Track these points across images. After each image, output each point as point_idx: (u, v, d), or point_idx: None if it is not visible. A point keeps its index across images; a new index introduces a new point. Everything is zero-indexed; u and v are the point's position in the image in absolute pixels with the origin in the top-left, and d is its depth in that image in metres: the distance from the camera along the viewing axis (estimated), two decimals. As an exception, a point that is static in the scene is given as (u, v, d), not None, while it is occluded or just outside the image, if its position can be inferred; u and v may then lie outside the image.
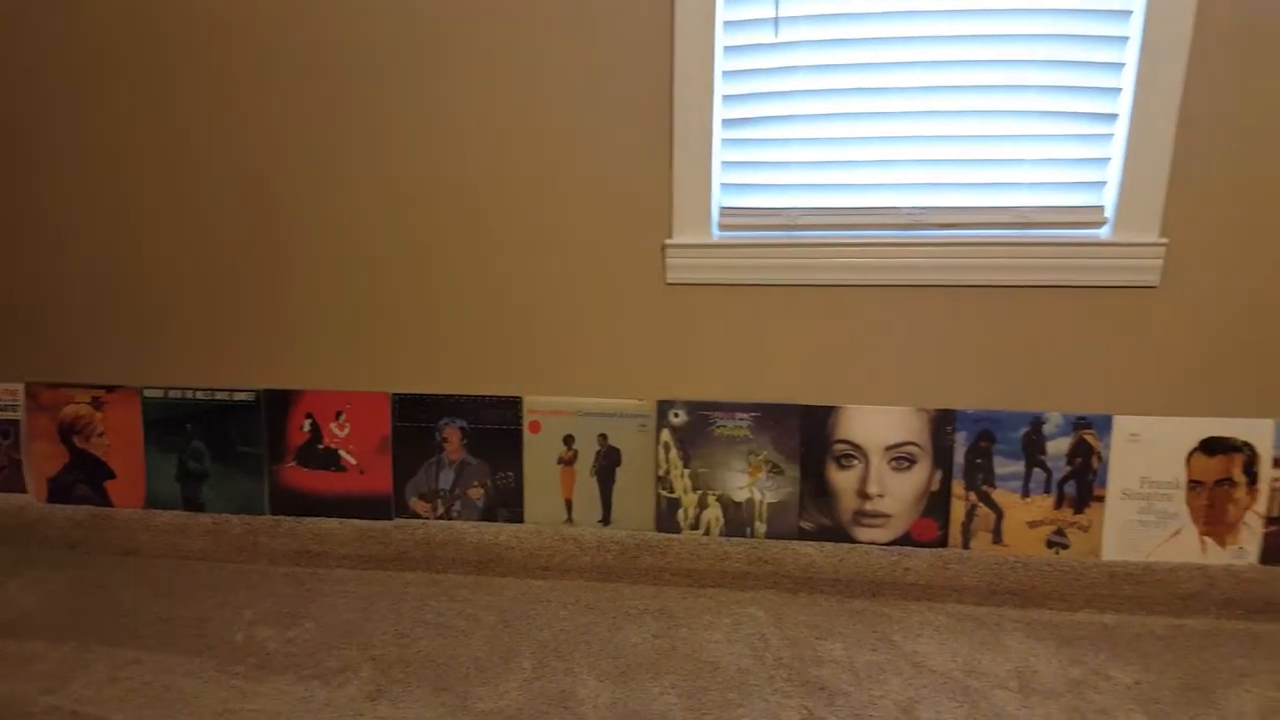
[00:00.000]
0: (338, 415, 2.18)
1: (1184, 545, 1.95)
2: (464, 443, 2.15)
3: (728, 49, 1.87)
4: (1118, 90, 1.76)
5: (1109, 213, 1.82)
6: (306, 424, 2.19)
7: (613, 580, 2.14)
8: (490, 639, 1.91)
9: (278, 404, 2.19)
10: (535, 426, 2.13)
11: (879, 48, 1.81)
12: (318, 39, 1.98)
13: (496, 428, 2.14)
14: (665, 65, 1.87)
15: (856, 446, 2.03)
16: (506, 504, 2.17)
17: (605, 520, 2.15)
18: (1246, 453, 1.90)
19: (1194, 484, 1.93)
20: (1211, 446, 1.91)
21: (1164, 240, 1.79)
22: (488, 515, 2.18)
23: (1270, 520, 1.91)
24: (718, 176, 1.95)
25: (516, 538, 2.17)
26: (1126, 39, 1.73)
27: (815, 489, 2.06)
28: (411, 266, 2.07)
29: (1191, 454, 1.92)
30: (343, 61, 1.98)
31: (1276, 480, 1.89)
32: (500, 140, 1.97)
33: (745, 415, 2.07)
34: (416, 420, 2.15)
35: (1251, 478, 1.90)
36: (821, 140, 1.89)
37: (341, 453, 2.19)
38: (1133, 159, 1.76)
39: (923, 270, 1.90)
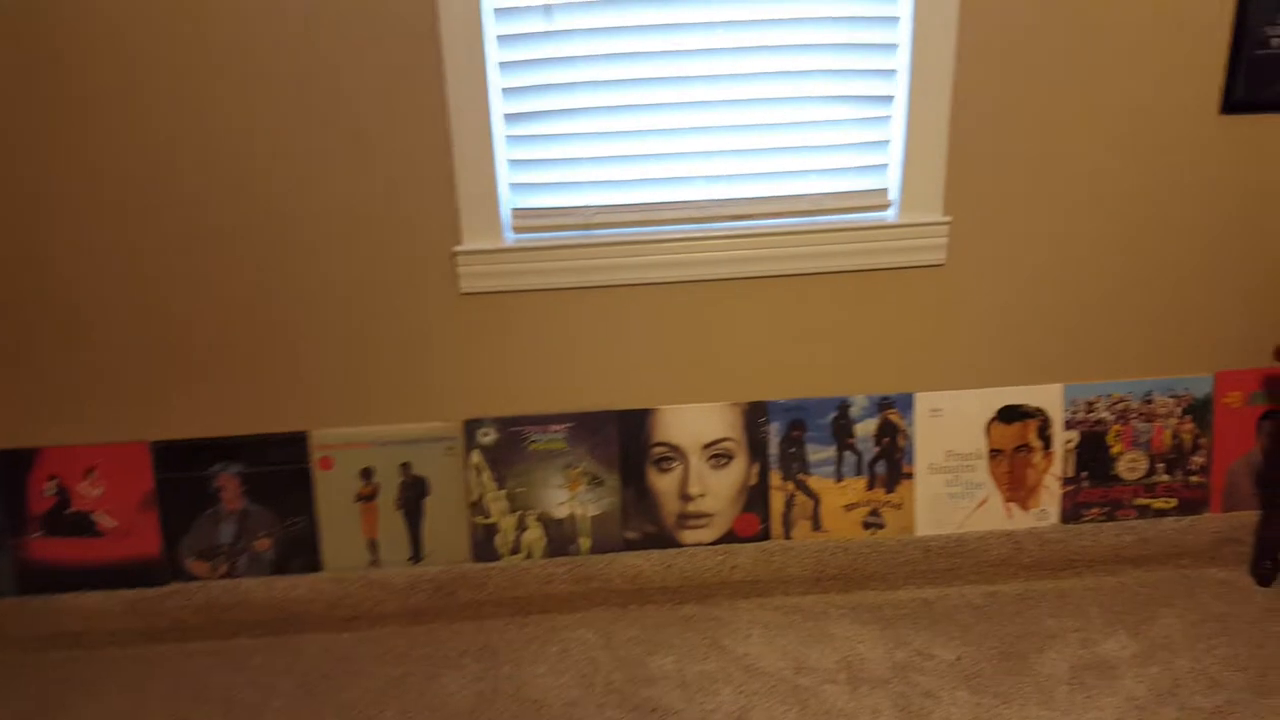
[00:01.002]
0: (88, 473, 1.89)
1: (991, 513, 2.01)
2: (243, 489, 1.92)
3: (501, 39, 1.75)
4: (893, 72, 1.77)
5: (894, 195, 1.84)
6: (50, 486, 1.88)
7: (428, 622, 1.97)
8: (287, 710, 1.70)
9: (12, 467, 1.88)
10: (326, 463, 1.93)
11: (657, 35, 1.74)
12: (55, 58, 1.69)
13: (280, 469, 1.92)
14: (434, 59, 1.72)
15: (675, 448, 1.96)
16: (300, 553, 1.96)
17: (415, 557, 1.98)
18: (1040, 418, 1.97)
19: (995, 453, 1.99)
20: (1008, 415, 1.97)
21: (947, 219, 1.82)
22: (279, 568, 1.96)
23: (1067, 481, 2.00)
24: (505, 176, 1.82)
25: (315, 589, 1.96)
26: (898, 19, 1.74)
27: (637, 496, 1.98)
28: (162, 290, 1.81)
29: (990, 424, 1.97)
30: (95, 82, 1.70)
31: (1069, 442, 1.98)
32: (260, 151, 1.75)
33: (560, 427, 1.95)
34: (184, 469, 1.90)
35: (1046, 442, 1.98)
36: (612, 134, 1.80)
37: (96, 515, 1.90)
38: (912, 140, 1.78)
39: (723, 263, 1.85)
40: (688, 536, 2.00)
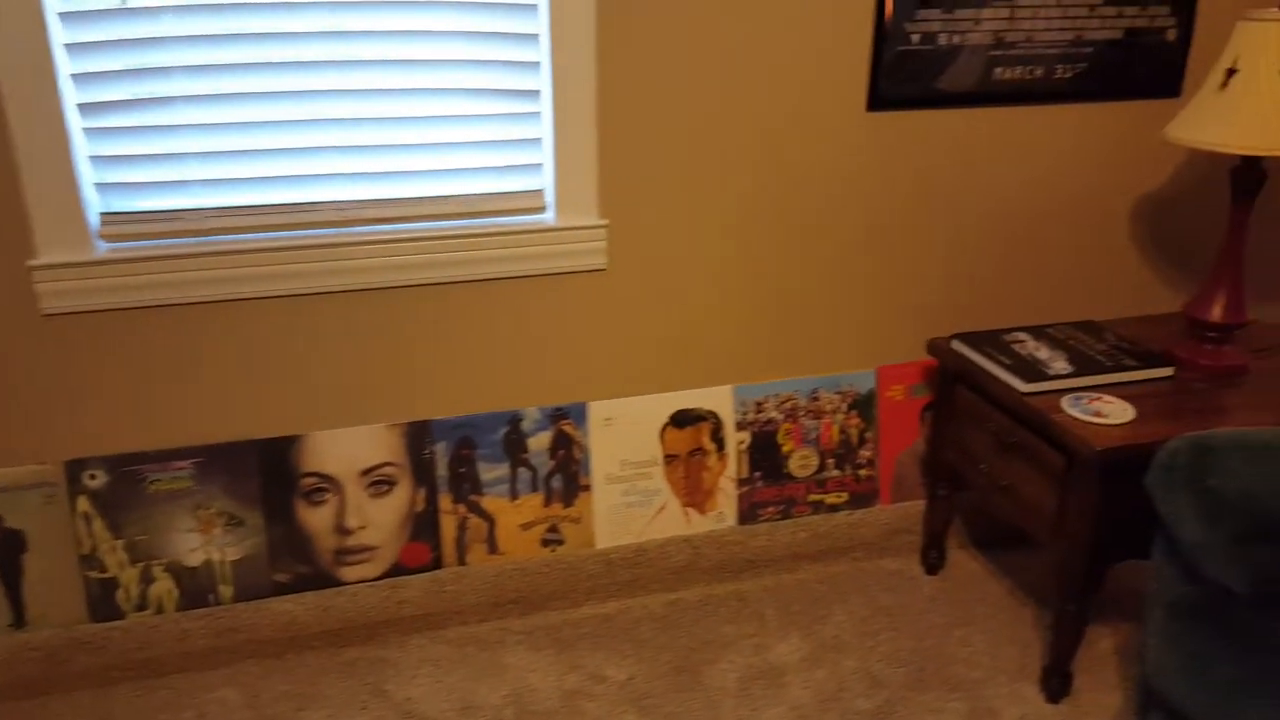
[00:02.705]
0: None
1: (670, 520, 1.96)
2: None
3: (64, 16, 1.46)
4: (537, 64, 1.64)
5: (550, 196, 1.72)
6: None
7: (40, 695, 1.68)
8: None
9: None
10: (-126, 526, 1.58)
11: (269, 15, 1.52)
12: None
13: None
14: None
15: (327, 477, 1.76)
16: None
17: (18, 623, 1.68)
18: (712, 420, 1.94)
19: (670, 458, 1.93)
20: (681, 419, 1.92)
21: (604, 222, 1.72)
22: None
23: (741, 481, 1.98)
24: (88, 176, 1.54)
25: None
26: (536, 6, 1.61)
27: (286, 534, 1.76)
28: None
29: (664, 429, 1.91)
30: None
31: (741, 443, 1.96)
32: None
33: (184, 463, 1.70)
34: None
35: (720, 444, 1.95)
36: (224, 127, 1.56)
37: None
38: (562, 139, 1.66)
39: (371, 271, 1.66)
40: (349, 573, 1.81)
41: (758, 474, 1.98)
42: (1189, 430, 1.46)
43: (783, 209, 1.82)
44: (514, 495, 1.86)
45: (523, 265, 1.72)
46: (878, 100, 1.78)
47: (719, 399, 1.93)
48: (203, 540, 1.73)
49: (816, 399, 1.97)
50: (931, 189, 1.87)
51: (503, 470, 1.84)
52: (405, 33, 1.57)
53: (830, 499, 2.03)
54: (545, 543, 1.90)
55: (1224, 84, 1.52)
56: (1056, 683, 1.63)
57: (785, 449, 1.98)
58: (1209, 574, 1.19)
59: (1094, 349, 1.71)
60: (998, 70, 1.80)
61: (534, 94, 1.65)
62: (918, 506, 2.07)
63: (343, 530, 1.79)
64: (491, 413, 1.81)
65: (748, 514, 2.00)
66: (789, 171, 1.80)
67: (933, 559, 1.99)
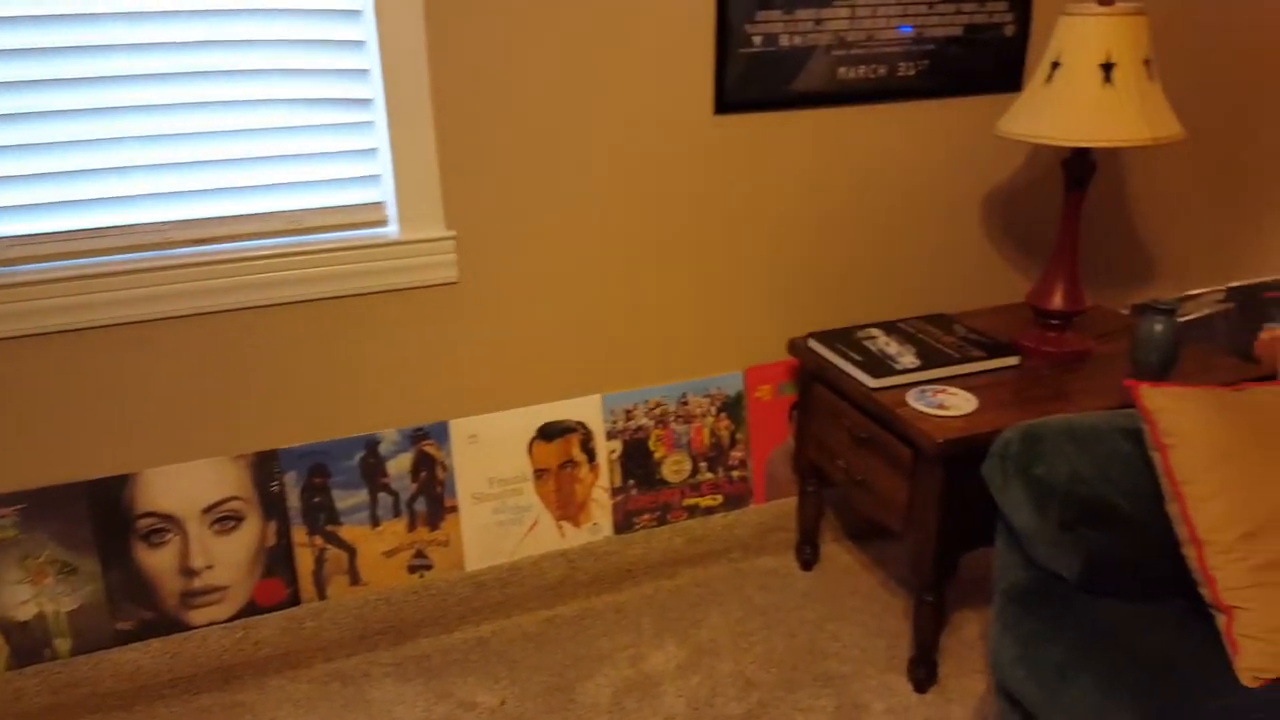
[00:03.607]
0: None
1: (544, 535, 1.91)
2: None
3: None
4: (366, 72, 1.58)
5: (390, 209, 1.66)
6: None
7: None
8: None
9: None
10: None
11: (72, 27, 1.42)
12: None
13: None
14: None
15: (166, 516, 1.66)
16: None
17: None
18: (581, 431, 1.90)
19: (540, 472, 1.89)
20: (549, 432, 1.88)
21: (452, 233, 1.67)
22: None
23: (615, 491, 1.95)
24: None
25: None
26: (360, 12, 1.54)
27: (125, 579, 1.65)
28: None
29: (532, 443, 1.87)
30: None
31: (613, 452, 1.93)
32: None
33: (6, 510, 1.58)
34: None
35: (590, 455, 1.92)
36: (23, 149, 1.45)
37: None
38: (399, 149, 1.60)
39: (194, 295, 1.56)
40: (197, 616, 1.71)
41: (631, 482, 1.95)
42: (1030, 418, 1.50)
43: (639, 214, 1.80)
44: (375, 522, 1.79)
45: (368, 281, 1.65)
46: (724, 103, 1.77)
47: (587, 409, 1.89)
48: (34, 592, 1.61)
49: (686, 403, 1.96)
50: (784, 190, 1.87)
51: (361, 497, 1.77)
52: (223, 43, 1.49)
53: (705, 502, 2.02)
54: (412, 569, 1.83)
55: (1049, 78, 1.56)
56: (923, 672, 1.65)
57: (657, 455, 1.96)
58: (1041, 560, 1.21)
59: (942, 341, 1.74)
60: (841, 70, 1.82)
61: (366, 103, 1.59)
62: (791, 504, 2.07)
63: (188, 571, 1.69)
64: (345, 438, 1.74)
65: (623, 523, 1.97)
66: (642, 176, 1.77)
67: (806, 555, 2.00)
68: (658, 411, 1.94)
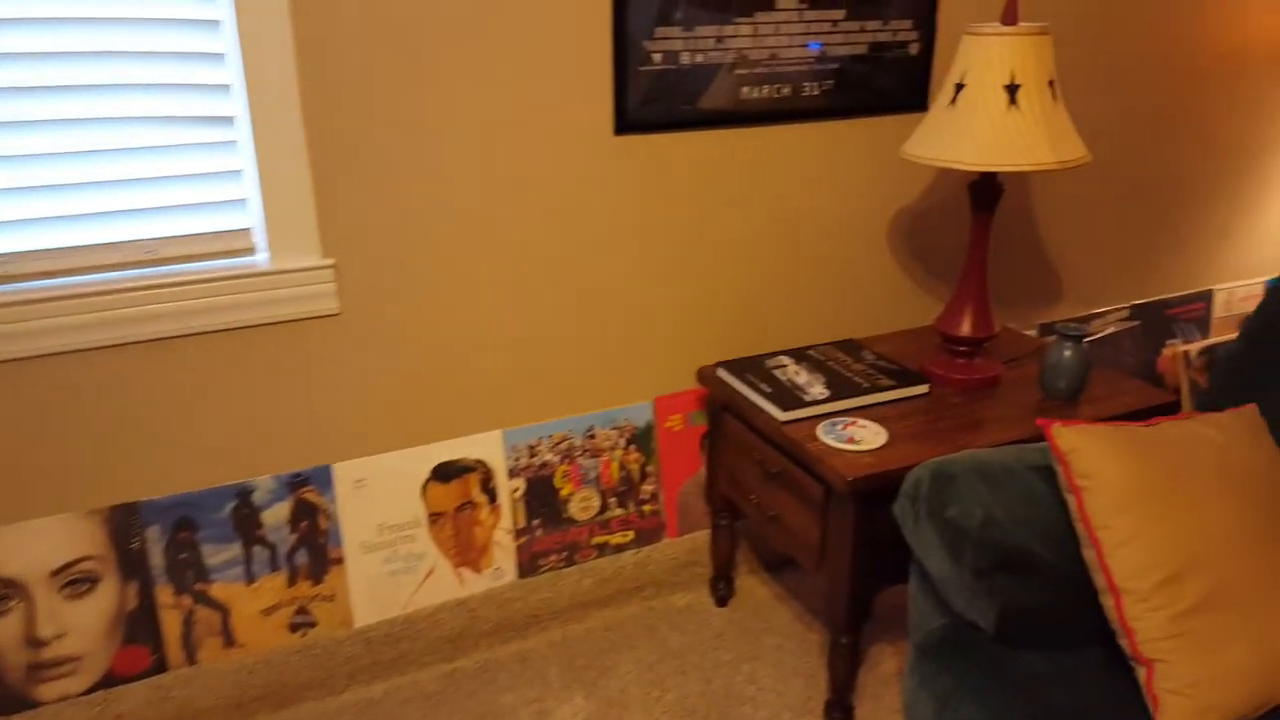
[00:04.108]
0: None
1: (441, 584, 1.79)
2: None
3: None
4: (228, 87, 1.44)
5: (259, 236, 1.52)
6: None
7: None
8: None
9: None
10: None
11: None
12: None
13: None
14: None
15: (8, 582, 1.48)
16: None
17: None
18: (481, 470, 1.78)
19: (435, 516, 1.76)
20: (445, 472, 1.76)
21: (329, 262, 1.54)
22: None
23: (519, 532, 1.84)
24: None
25: None
26: (219, 22, 1.41)
27: (-39, 654, 1.47)
28: None
29: (426, 485, 1.75)
30: None
31: (516, 490, 1.82)
32: None
33: None
34: None
35: (491, 495, 1.80)
36: None
37: None
38: (267, 170, 1.47)
39: (32, 335, 1.40)
40: (47, 691, 1.53)
41: (536, 522, 1.84)
42: (941, 451, 1.45)
43: (538, 238, 1.69)
44: (250, 578, 1.64)
45: (236, 316, 1.51)
46: (626, 123, 1.69)
47: (487, 446, 1.78)
48: None
49: (593, 436, 1.86)
50: (690, 212, 1.80)
51: (234, 551, 1.62)
52: (68, 54, 1.34)
53: (615, 539, 1.92)
54: (294, 627, 1.68)
55: (954, 99, 1.51)
56: (839, 715, 1.58)
57: (564, 492, 1.86)
58: (957, 608, 1.15)
59: (852, 370, 1.68)
60: (745, 90, 1.75)
61: (228, 120, 1.45)
62: (705, 536, 1.99)
63: (35, 642, 1.51)
64: (215, 488, 1.59)
65: (528, 566, 1.86)
66: (540, 199, 1.67)
67: (721, 590, 1.92)
68: (563, 446, 1.83)
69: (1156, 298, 2.41)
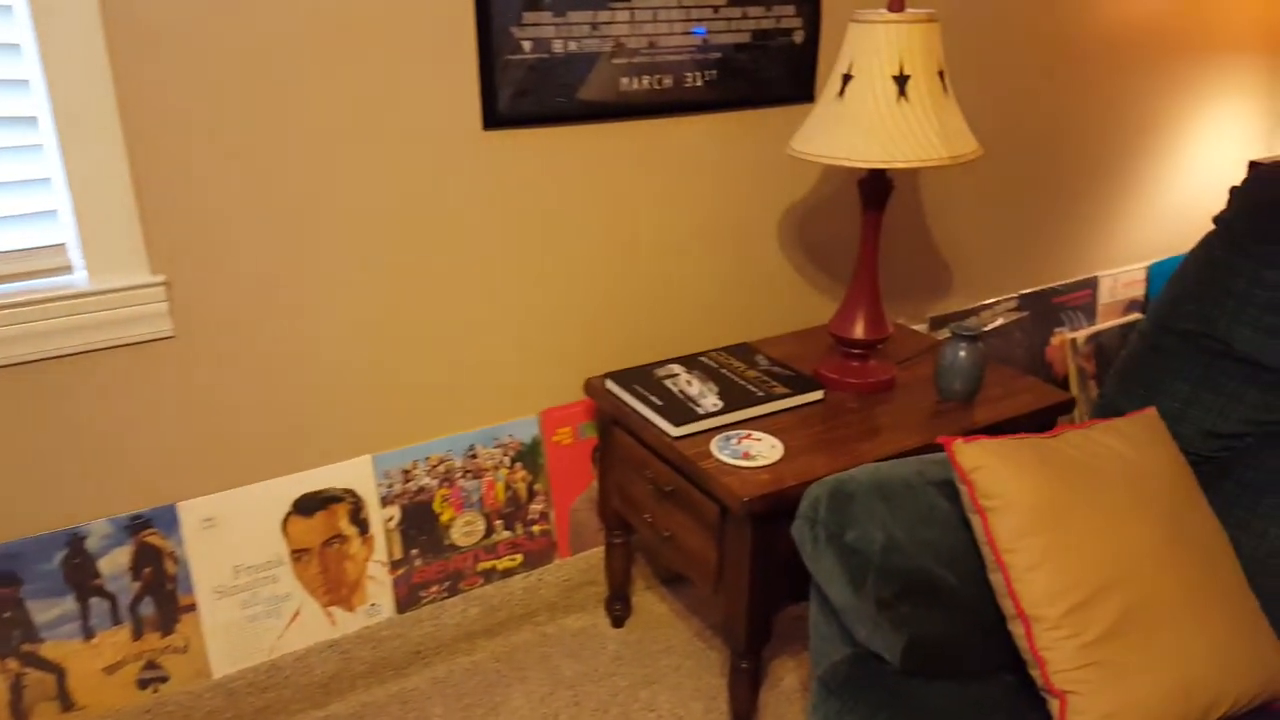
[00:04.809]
0: None
1: (310, 625, 1.63)
2: None
3: None
4: (27, 82, 1.25)
5: (74, 252, 1.33)
6: None
7: None
8: None
9: None
10: None
11: None
12: None
13: None
14: None
15: None
16: None
17: None
18: (350, 500, 1.63)
19: (299, 553, 1.60)
20: (308, 505, 1.60)
21: (160, 279, 1.36)
22: None
23: (395, 564, 1.69)
24: None
25: None
26: (9, 7, 1.21)
27: None
28: None
29: (288, 520, 1.58)
30: None
31: (390, 520, 1.67)
32: None
33: None
34: None
35: (362, 526, 1.65)
36: None
37: None
38: (78, 177, 1.28)
39: None
40: None
41: (415, 552, 1.70)
42: (839, 462, 1.38)
43: (402, 245, 1.55)
44: (88, 634, 1.45)
45: (53, 342, 1.32)
46: (496, 118, 1.55)
47: (355, 473, 1.63)
48: None
49: (475, 456, 1.73)
50: (571, 211, 1.68)
51: (67, 605, 1.43)
52: None
53: (503, 564, 1.80)
54: (143, 684, 1.50)
55: (841, 91, 1.44)
56: (744, 743, 1.51)
57: (444, 518, 1.72)
58: (861, 639, 1.08)
59: (745, 377, 1.59)
60: (624, 81, 1.64)
61: (30, 121, 1.26)
62: (599, 554, 1.88)
63: None
64: (40, 535, 1.39)
65: (408, 599, 1.71)
66: (403, 201, 1.53)
67: (618, 611, 1.82)
68: (442, 469, 1.70)
69: (1044, 286, 2.42)
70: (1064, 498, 0.99)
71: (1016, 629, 0.98)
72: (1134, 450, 1.10)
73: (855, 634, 1.08)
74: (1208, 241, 1.38)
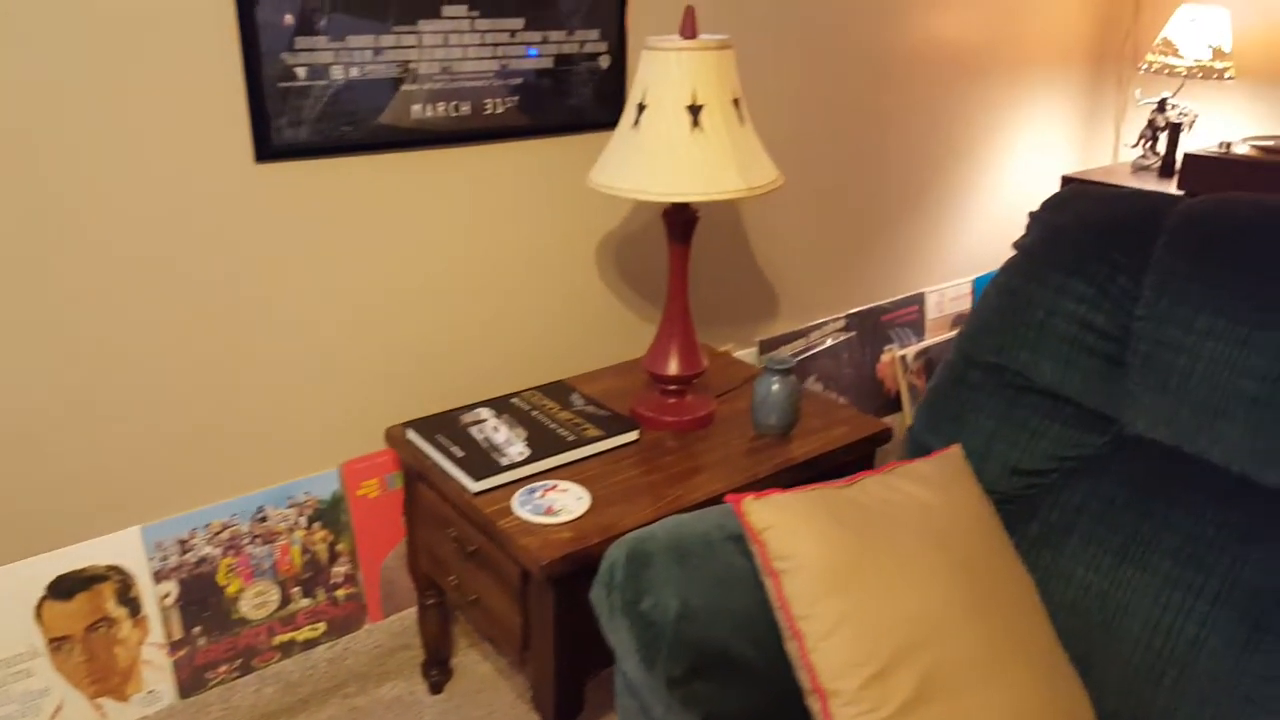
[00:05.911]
0: None
1: (71, 724, 1.44)
2: None
3: None
4: None
5: None
6: None
7: None
8: None
9: None
10: None
11: None
12: None
13: None
14: None
15: None
16: None
17: None
18: (116, 578, 1.45)
19: (58, 641, 1.40)
20: (65, 587, 1.40)
21: None
22: None
23: (175, 645, 1.51)
24: None
25: None
26: None
27: None
28: None
29: (42, 605, 1.39)
30: None
31: (166, 596, 1.49)
32: None
33: None
34: None
35: (132, 606, 1.47)
36: None
37: None
38: None
39: None
40: None
41: (197, 630, 1.53)
42: (649, 511, 1.30)
43: (169, 290, 1.38)
44: None
45: None
46: (269, 149, 1.41)
47: (121, 548, 1.44)
48: None
49: (264, 519, 1.57)
50: (362, 247, 1.54)
51: None
52: None
53: (303, 634, 1.64)
54: None
55: (636, 121, 1.37)
56: (565, 815, 1.41)
57: (231, 590, 1.55)
58: (656, 717, 1.00)
59: (558, 419, 1.50)
60: (416, 108, 1.52)
61: None
62: (415, 615, 1.75)
63: None
64: None
65: (192, 683, 1.54)
66: (166, 243, 1.36)
67: (435, 676, 1.69)
68: (225, 535, 1.53)
69: (871, 304, 2.44)
70: (860, 555, 0.94)
71: (814, 705, 0.92)
72: (936, 495, 1.06)
73: (651, 712, 1.00)
74: (1008, 269, 1.38)
